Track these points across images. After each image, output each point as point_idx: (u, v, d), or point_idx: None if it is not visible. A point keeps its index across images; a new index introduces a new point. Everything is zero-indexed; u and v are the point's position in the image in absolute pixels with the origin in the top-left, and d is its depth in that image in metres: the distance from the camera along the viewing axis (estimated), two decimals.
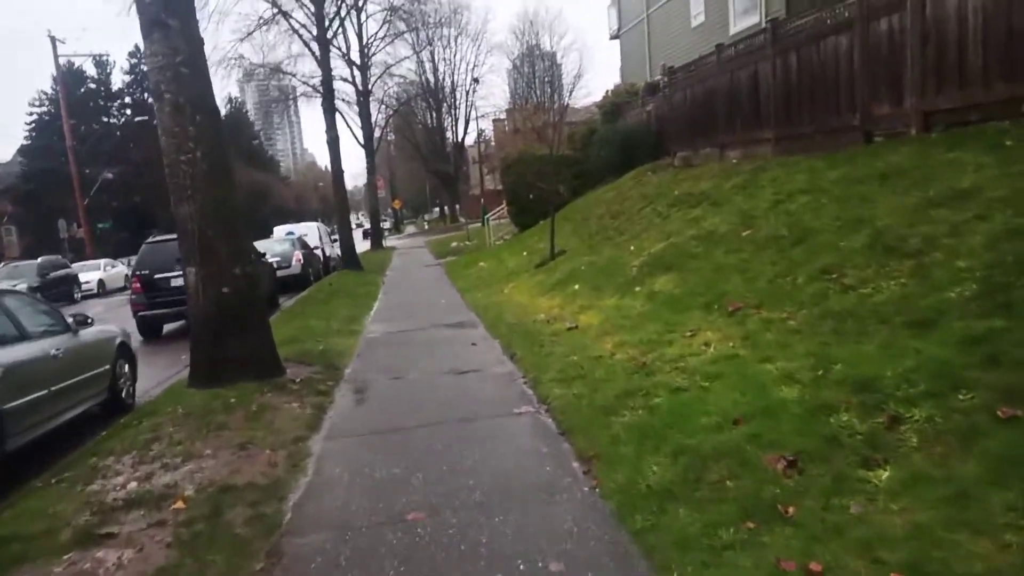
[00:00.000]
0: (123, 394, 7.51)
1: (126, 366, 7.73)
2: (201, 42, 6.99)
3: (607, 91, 25.85)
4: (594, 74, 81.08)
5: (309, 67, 20.49)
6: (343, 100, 34.56)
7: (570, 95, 54.36)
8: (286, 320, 11.96)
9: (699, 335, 5.82)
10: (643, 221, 11.64)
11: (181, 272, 12.99)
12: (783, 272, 6.24)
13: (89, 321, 7.31)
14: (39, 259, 25.21)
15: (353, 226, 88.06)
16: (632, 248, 10.15)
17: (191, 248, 6.94)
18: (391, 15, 32.14)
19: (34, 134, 56.28)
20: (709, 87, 13.98)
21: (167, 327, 13.92)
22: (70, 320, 6.97)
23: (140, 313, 12.77)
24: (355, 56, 33.19)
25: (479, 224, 40.56)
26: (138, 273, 12.77)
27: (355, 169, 54.89)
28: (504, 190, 24.13)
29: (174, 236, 14.63)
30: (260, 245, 21.77)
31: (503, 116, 64.94)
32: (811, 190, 7.72)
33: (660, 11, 27.23)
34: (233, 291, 6.96)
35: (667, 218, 10.69)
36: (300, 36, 20.90)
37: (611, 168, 19.97)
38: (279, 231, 25.61)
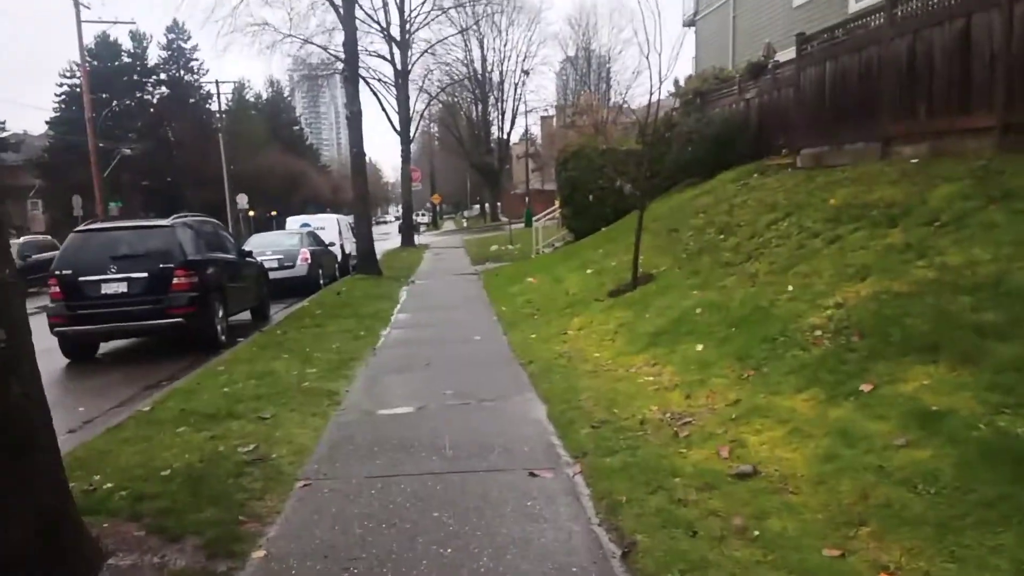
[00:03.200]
0: None
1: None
2: None
3: (683, 79, 21.78)
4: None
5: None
6: (380, 80, 31.12)
7: (626, 92, 50.25)
8: (247, 357, 8.25)
9: None
10: (786, 243, 7.67)
11: (117, 274, 9.51)
12: None
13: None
14: (21, 239, 22.33)
15: (391, 219, 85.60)
16: (791, 288, 6.20)
17: None
18: None
19: (63, 106, 54.00)
20: (868, 58, 9.93)
21: (106, 346, 10.35)
22: None
23: (59, 328, 9.20)
24: (395, 32, 29.72)
25: (521, 225, 36.78)
26: (57, 273, 9.20)
27: (396, 160, 51.31)
28: (557, 188, 20.28)
29: (117, 224, 11.06)
30: (262, 240, 18.24)
31: (551, 113, 61.24)
32: None
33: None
34: None
35: (838, 242, 6.71)
36: None
37: (695, 167, 15.99)
38: (293, 222, 22.07)
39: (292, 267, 16.36)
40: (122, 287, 9.16)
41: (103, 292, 9.13)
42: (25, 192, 57.40)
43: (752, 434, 4.02)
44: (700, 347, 5.94)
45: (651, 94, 10.46)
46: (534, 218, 42.82)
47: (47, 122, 54.72)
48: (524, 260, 19.74)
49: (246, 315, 12.56)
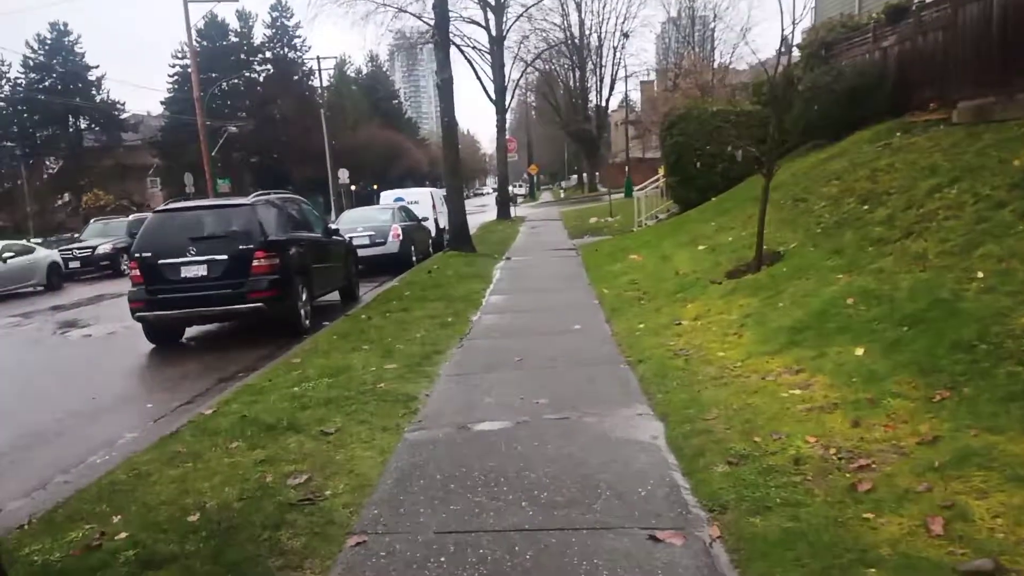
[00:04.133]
0: None
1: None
2: None
3: (801, 32, 19.68)
4: (765, 28, 72.32)
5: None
6: (474, 47, 30.21)
7: (733, 52, 47.22)
8: (325, 348, 7.57)
9: None
10: (959, 215, 6.18)
11: (196, 256, 9.05)
12: None
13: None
14: (130, 216, 23.01)
15: (488, 190, 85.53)
16: (981, 275, 4.82)
17: None
18: None
19: (176, 87, 56.22)
20: None
21: (191, 330, 10.03)
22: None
23: (139, 313, 8.87)
24: None
25: (621, 195, 35.21)
26: (136, 256, 8.83)
27: (492, 132, 51.22)
28: (662, 156, 18.78)
29: (195, 203, 10.65)
30: (354, 216, 17.80)
31: (651, 78, 58.55)
32: None
33: None
34: None
35: None
36: None
37: (821, 128, 14.22)
38: (386, 197, 21.64)
39: (383, 244, 15.82)
40: (202, 270, 8.70)
41: (183, 275, 8.70)
42: (145, 171, 60.60)
43: (974, 496, 2.82)
44: (860, 351, 4.68)
45: (783, 32, 8.99)
46: (635, 188, 41.21)
47: (162, 102, 57.17)
48: (625, 234, 18.47)
49: (335, 295, 12.07)
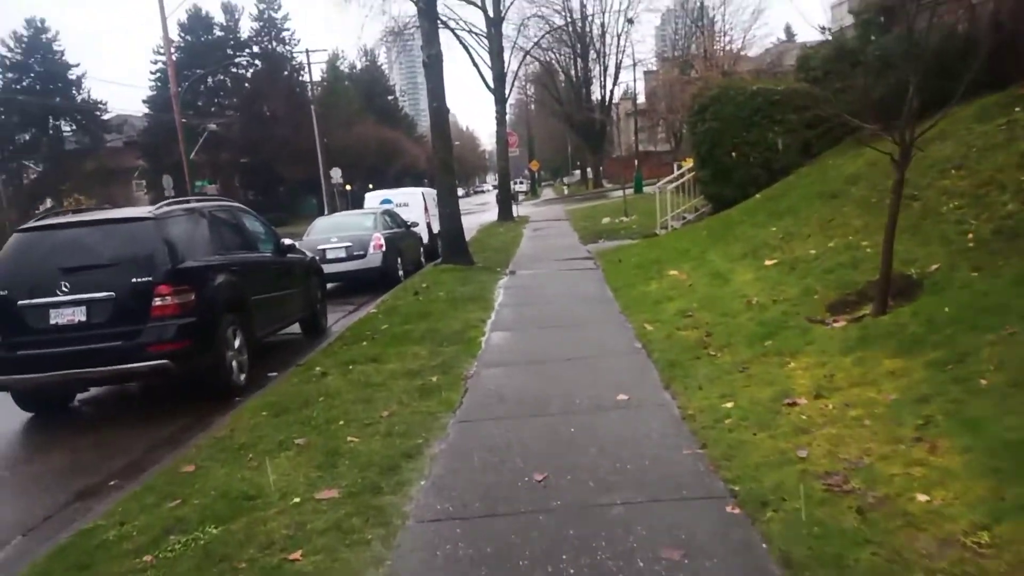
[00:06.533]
0: None
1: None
2: None
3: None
4: (783, 8, 70.19)
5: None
6: (471, 32, 27.57)
7: (744, 36, 44.55)
8: (241, 439, 4.93)
9: None
10: None
11: (72, 294, 6.30)
12: None
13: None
14: None
15: (489, 188, 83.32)
16: None
17: None
18: None
19: (158, 84, 53.50)
20: None
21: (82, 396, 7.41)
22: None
23: None
24: None
25: (631, 191, 32.50)
26: None
27: (491, 127, 48.95)
28: (693, 145, 16.12)
29: (73, 219, 7.68)
30: (328, 223, 15.11)
31: (654, 67, 55.72)
32: None
33: None
34: None
35: None
36: None
37: (893, 107, 11.60)
38: (371, 199, 19.00)
39: (363, 256, 13.20)
40: (79, 314, 6.07)
41: (53, 322, 6.06)
42: (130, 173, 57.95)
43: None
44: None
45: None
46: (644, 183, 38.53)
47: (144, 100, 54.55)
48: (649, 238, 15.81)
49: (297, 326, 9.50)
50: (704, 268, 9.46)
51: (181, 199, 7.70)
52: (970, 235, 5.83)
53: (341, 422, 5.15)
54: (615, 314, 8.42)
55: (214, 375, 6.65)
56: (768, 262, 8.28)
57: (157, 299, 6.14)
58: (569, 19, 45.29)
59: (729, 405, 4.58)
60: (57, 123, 55.10)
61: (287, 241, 9.03)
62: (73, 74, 54.04)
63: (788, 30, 58.13)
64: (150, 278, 6.15)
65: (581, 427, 4.69)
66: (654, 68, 55.40)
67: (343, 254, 13.12)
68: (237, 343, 7.01)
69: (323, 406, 5.61)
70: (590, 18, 48.44)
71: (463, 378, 6.23)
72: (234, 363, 6.91)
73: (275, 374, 7.43)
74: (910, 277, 5.74)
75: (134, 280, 6.14)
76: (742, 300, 7.19)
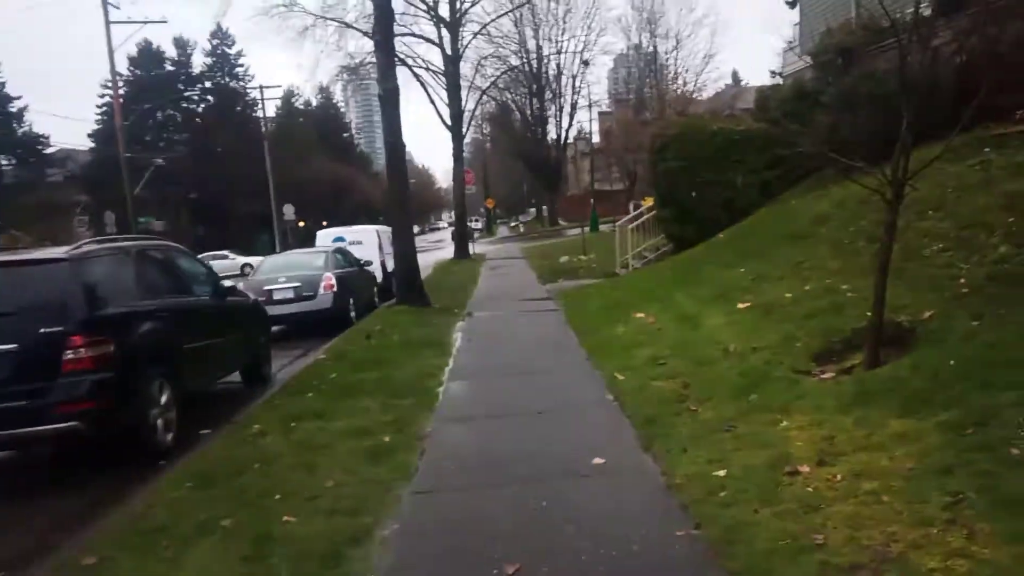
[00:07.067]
0: None
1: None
2: None
3: (818, 35, 17.33)
4: (729, 54, 70.58)
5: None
6: (428, 69, 27.32)
7: (697, 79, 45.48)
8: (152, 523, 4.17)
9: None
10: None
11: None
12: None
13: None
14: None
15: (445, 225, 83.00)
16: None
17: None
18: None
19: (105, 118, 51.92)
20: None
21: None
22: None
23: None
24: (444, 11, 25.87)
25: (587, 228, 32.31)
26: None
27: (448, 165, 49.01)
28: (653, 184, 15.89)
29: None
30: (277, 262, 14.35)
31: (608, 109, 56.38)
32: None
33: None
34: None
35: None
36: None
37: (854, 147, 11.51)
38: (323, 236, 18.26)
39: (312, 297, 12.47)
40: None
41: None
42: (73, 209, 55.87)
43: None
44: None
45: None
46: (600, 221, 38.50)
47: (89, 135, 52.84)
48: (611, 277, 15.44)
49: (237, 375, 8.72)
50: (672, 310, 9.03)
51: (106, 237, 6.98)
52: (962, 280, 5.50)
53: (277, 496, 4.45)
54: (581, 361, 7.88)
55: (135, 437, 5.86)
56: (740, 305, 7.88)
57: (69, 352, 5.38)
58: (525, 60, 45.63)
59: (721, 473, 4.05)
60: None
61: (227, 282, 8.31)
62: (14, 106, 52.08)
63: (735, 75, 59.64)
64: (61, 328, 5.38)
65: (554, 499, 4.10)
66: (608, 109, 56.18)
67: (291, 295, 12.37)
68: (164, 399, 6.23)
69: (257, 474, 4.91)
70: (546, 59, 48.88)
71: (419, 437, 5.59)
72: (159, 422, 6.12)
73: (208, 432, 6.66)
74: (900, 324, 5.35)
75: (43, 330, 5.37)
76: (718, 347, 6.74)
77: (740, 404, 5.15)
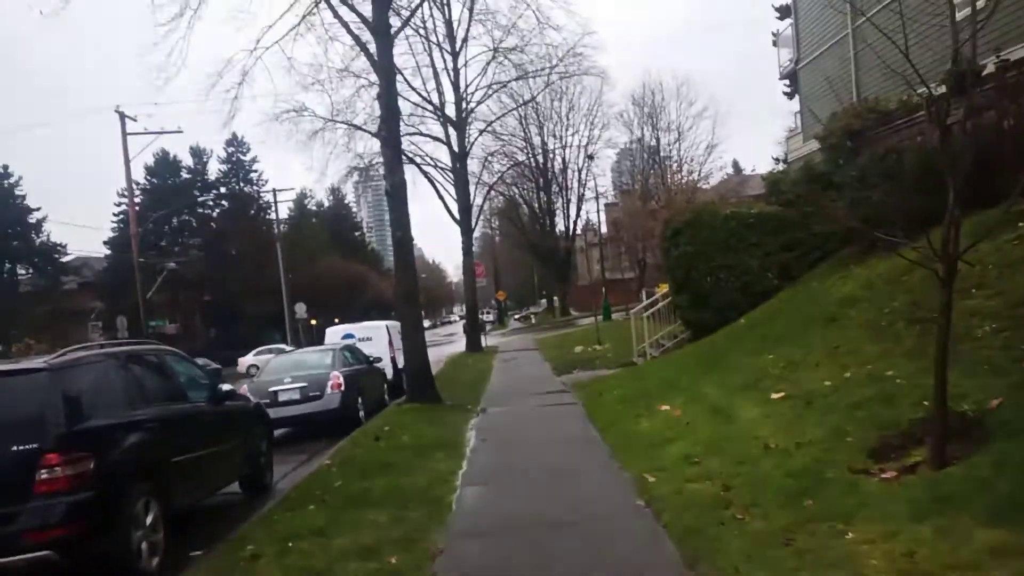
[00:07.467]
0: None
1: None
2: None
3: (826, 120, 17.30)
4: (730, 144, 71.72)
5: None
6: (436, 166, 27.69)
7: (700, 169, 46.02)
8: None
9: None
10: None
11: None
12: None
13: None
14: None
15: (456, 318, 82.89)
16: None
17: None
18: (495, 55, 25.32)
19: (121, 226, 52.96)
20: None
21: None
22: None
23: None
24: (450, 111, 26.44)
25: (600, 317, 31.87)
26: None
27: (458, 259, 49.86)
28: (668, 270, 15.58)
29: None
30: (283, 363, 13.88)
31: (613, 200, 57.03)
32: None
33: (884, 15, 18.73)
34: None
35: None
36: (349, 29, 13.54)
37: (872, 228, 11.17)
38: (332, 334, 17.92)
39: (319, 397, 11.96)
40: None
41: None
42: (87, 315, 56.24)
43: None
44: None
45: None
46: (612, 310, 38.15)
47: (105, 242, 53.78)
48: (628, 367, 14.88)
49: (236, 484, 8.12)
50: (700, 402, 8.44)
51: (94, 343, 6.59)
52: None
53: None
54: (606, 460, 7.27)
55: (116, 564, 5.27)
56: (775, 395, 7.30)
57: (43, 471, 4.88)
58: (531, 155, 46.54)
59: None
60: (12, 267, 53.77)
61: (225, 387, 7.83)
62: (33, 218, 53.29)
63: (736, 165, 60.39)
64: (36, 444, 4.91)
65: None
66: (614, 200, 56.81)
67: (297, 396, 11.87)
68: (150, 519, 5.66)
69: None
70: (551, 154, 49.86)
71: (430, 556, 4.97)
72: (144, 545, 5.52)
73: (199, 553, 6.03)
74: (965, 414, 4.79)
75: (15, 448, 4.90)
76: (757, 443, 6.13)
77: (794, 512, 4.53)
